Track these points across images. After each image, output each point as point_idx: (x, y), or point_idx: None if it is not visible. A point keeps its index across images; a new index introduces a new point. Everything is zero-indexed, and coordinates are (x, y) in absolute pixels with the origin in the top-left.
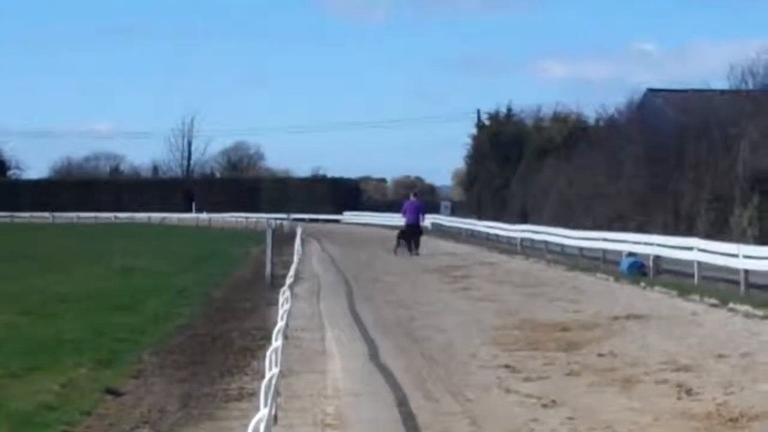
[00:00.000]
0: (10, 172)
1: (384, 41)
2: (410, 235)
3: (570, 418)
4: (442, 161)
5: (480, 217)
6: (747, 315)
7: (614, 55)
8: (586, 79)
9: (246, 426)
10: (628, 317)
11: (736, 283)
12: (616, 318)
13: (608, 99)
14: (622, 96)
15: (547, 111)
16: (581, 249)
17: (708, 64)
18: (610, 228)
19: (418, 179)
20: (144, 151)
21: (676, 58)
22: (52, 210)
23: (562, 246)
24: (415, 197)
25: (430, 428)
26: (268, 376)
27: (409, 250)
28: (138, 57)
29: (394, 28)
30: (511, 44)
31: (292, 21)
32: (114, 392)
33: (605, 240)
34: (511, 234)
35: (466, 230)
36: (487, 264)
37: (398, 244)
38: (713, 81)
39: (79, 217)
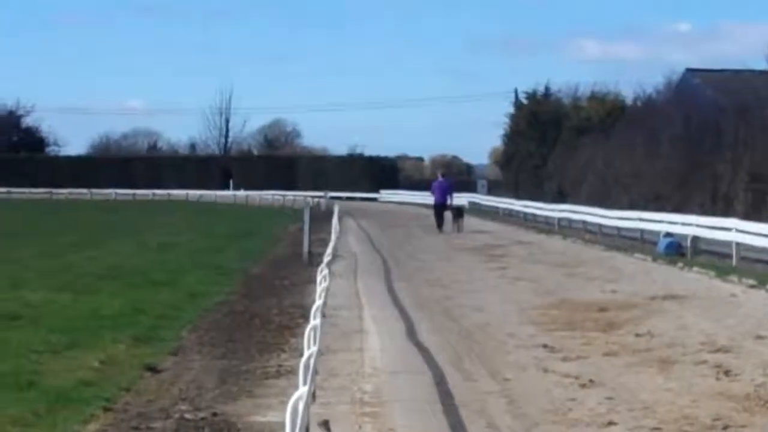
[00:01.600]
0: (48, 149)
1: (421, 20)
2: (441, 213)
3: (608, 398)
4: (480, 140)
5: (517, 197)
6: None
7: (650, 36)
8: (622, 59)
9: (284, 403)
10: (665, 297)
11: None
12: (653, 298)
13: (644, 79)
14: (659, 76)
15: (584, 90)
16: (619, 229)
17: (744, 44)
18: (647, 208)
19: (456, 158)
20: (181, 129)
21: (711, 38)
22: (91, 187)
23: (600, 226)
24: (443, 177)
25: (468, 407)
26: (306, 354)
27: (439, 227)
28: (175, 35)
29: (431, 7)
30: (547, 23)
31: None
32: (152, 369)
33: (642, 220)
34: (549, 213)
35: (504, 209)
36: (525, 243)
37: (438, 224)
38: (751, 62)
39: (117, 194)
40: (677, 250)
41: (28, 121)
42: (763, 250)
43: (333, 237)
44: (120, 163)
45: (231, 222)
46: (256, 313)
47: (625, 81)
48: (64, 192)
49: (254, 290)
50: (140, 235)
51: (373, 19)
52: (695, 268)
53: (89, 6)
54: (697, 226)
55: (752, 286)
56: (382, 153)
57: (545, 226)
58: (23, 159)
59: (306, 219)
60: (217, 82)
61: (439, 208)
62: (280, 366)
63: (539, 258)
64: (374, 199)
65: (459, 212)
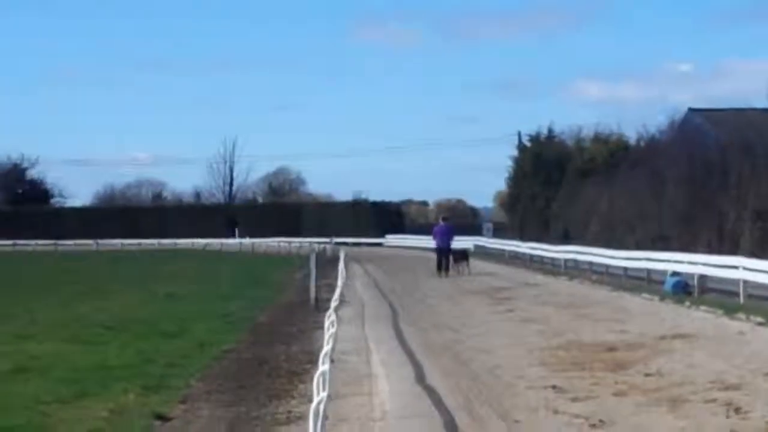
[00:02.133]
0: (53, 200)
1: (421, 66)
2: (444, 258)
3: None
4: (484, 183)
5: (523, 239)
6: None
7: (651, 76)
8: (624, 100)
9: None
10: (674, 337)
11: None
12: (662, 337)
13: (646, 119)
14: (661, 116)
15: (587, 132)
16: (625, 269)
17: (745, 83)
18: (653, 248)
19: (460, 201)
20: (186, 178)
21: (713, 77)
22: (96, 237)
23: (606, 266)
24: (444, 221)
25: None
26: (316, 399)
27: (439, 270)
28: (177, 86)
29: (430, 53)
30: (547, 66)
31: (328, 49)
32: (162, 417)
33: (649, 260)
34: (555, 255)
35: (509, 252)
36: (532, 285)
37: (439, 267)
38: (753, 99)
39: (123, 244)
40: (684, 289)
41: (32, 174)
42: None
43: (339, 282)
44: (125, 214)
45: (237, 270)
46: (265, 360)
47: (627, 121)
48: (69, 243)
49: (262, 337)
50: (147, 284)
51: (376, 66)
52: (703, 307)
53: (92, 59)
54: (704, 264)
55: (760, 324)
56: (387, 198)
57: (551, 268)
58: (28, 211)
59: (312, 265)
60: (220, 132)
61: (441, 252)
62: (289, 412)
63: (546, 299)
64: (380, 244)
65: (463, 255)
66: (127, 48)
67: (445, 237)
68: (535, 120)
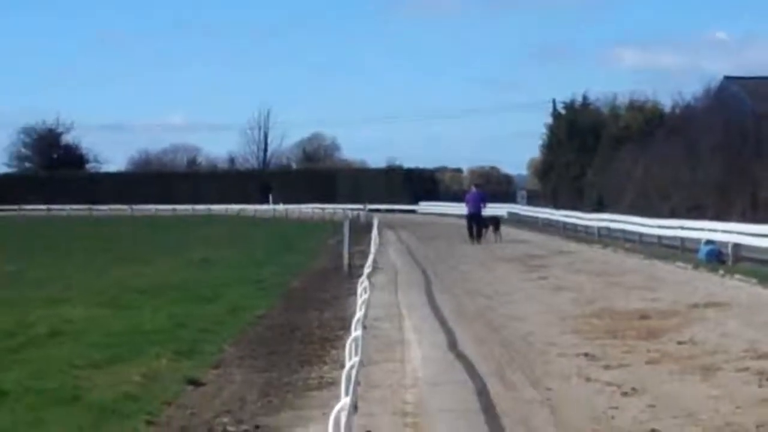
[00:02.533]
0: (88, 165)
1: (458, 32)
2: (475, 224)
3: (651, 406)
4: (518, 151)
5: (556, 207)
6: None
7: (687, 44)
8: (660, 68)
9: (326, 415)
10: (707, 305)
11: None
12: (695, 306)
13: (682, 87)
14: (696, 84)
15: (623, 99)
16: (659, 237)
17: None
18: (687, 216)
19: (494, 169)
20: (221, 144)
21: (749, 45)
22: (131, 202)
23: (640, 234)
24: (476, 188)
25: (510, 416)
26: (348, 364)
27: (471, 236)
28: (212, 51)
29: (467, 19)
30: (584, 33)
31: (366, 13)
32: (195, 382)
33: (683, 228)
34: (589, 223)
35: (543, 219)
36: (565, 253)
37: (470, 234)
38: None
39: (157, 210)
40: (718, 258)
41: (68, 138)
42: None
43: (372, 249)
44: (160, 179)
45: (271, 236)
46: (298, 326)
47: (663, 89)
48: (104, 208)
49: (295, 303)
50: (182, 250)
51: (413, 31)
52: (737, 276)
53: (128, 22)
54: (738, 233)
55: None
56: (421, 165)
57: (585, 236)
58: (63, 176)
59: (345, 232)
60: (256, 97)
61: (473, 219)
62: (321, 378)
63: (579, 267)
64: (413, 211)
65: (495, 222)
66: (163, 12)
67: (477, 204)
68: (570, 87)
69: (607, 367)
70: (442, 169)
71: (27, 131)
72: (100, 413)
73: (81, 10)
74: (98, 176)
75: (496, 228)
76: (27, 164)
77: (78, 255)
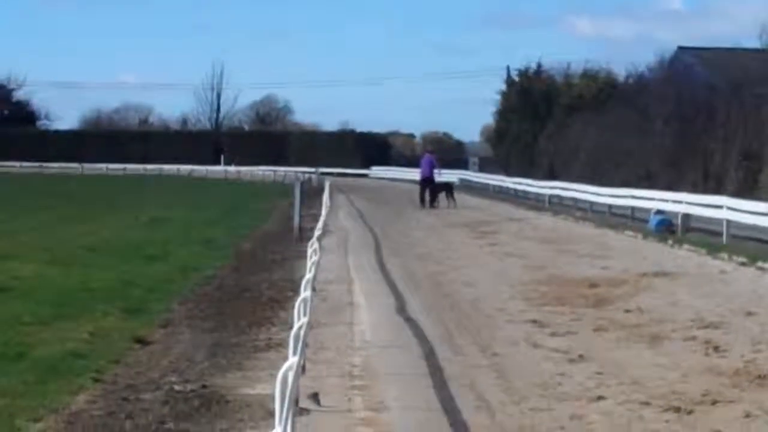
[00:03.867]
0: (39, 123)
1: None
2: (428, 190)
3: (598, 373)
4: (471, 117)
5: (508, 174)
6: None
7: (642, 13)
8: (614, 37)
9: (274, 376)
10: (656, 274)
11: (766, 242)
12: (644, 275)
13: (636, 57)
14: (651, 54)
15: (576, 68)
16: (610, 206)
17: (736, 22)
18: (638, 186)
19: (447, 135)
20: (173, 104)
21: (703, 16)
22: (82, 161)
23: (591, 203)
24: (429, 153)
25: (457, 381)
26: (296, 325)
27: (422, 202)
28: (166, 10)
29: None
30: (540, 1)
31: None
32: (142, 341)
33: (634, 197)
34: (540, 190)
35: (494, 186)
36: (515, 220)
37: (422, 199)
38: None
39: (108, 169)
40: (668, 228)
41: (19, 95)
42: (753, 227)
43: (323, 212)
44: (111, 138)
45: (222, 197)
46: (247, 287)
47: (617, 59)
48: (54, 166)
49: (245, 264)
50: (132, 209)
51: None
52: (686, 246)
53: None
54: (688, 203)
55: (742, 264)
56: (374, 129)
57: (536, 203)
58: (13, 133)
59: (296, 194)
60: (209, 58)
61: (425, 183)
62: (269, 339)
63: (530, 234)
64: (365, 176)
65: (449, 188)
66: None
67: (429, 169)
68: (524, 55)
69: (554, 334)
70: (395, 134)
71: None
72: (47, 370)
73: None
74: (49, 134)
75: (450, 194)
76: None
77: (27, 212)
